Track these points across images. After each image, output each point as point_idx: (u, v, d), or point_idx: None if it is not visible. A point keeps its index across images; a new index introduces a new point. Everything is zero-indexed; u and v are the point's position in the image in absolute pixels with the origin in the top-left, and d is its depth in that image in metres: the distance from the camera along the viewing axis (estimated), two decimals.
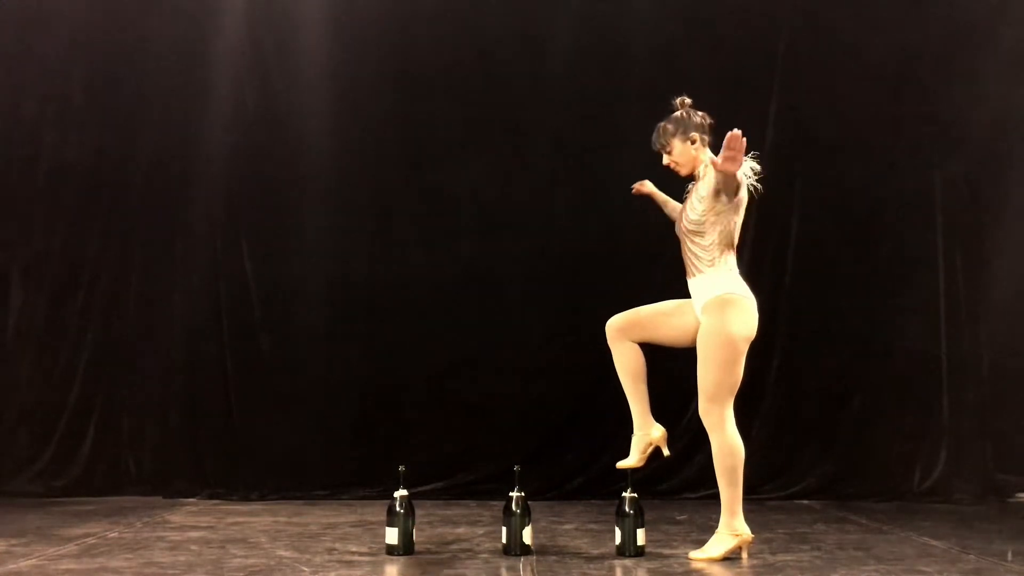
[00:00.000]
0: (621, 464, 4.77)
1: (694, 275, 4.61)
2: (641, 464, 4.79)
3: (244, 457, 6.74)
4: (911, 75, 6.94)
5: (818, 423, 6.84)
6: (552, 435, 6.79)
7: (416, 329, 6.84)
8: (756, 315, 4.59)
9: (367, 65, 6.92)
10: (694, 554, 4.63)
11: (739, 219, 4.61)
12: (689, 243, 4.61)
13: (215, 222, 6.89)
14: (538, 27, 6.91)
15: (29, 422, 6.78)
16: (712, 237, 4.55)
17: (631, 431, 4.81)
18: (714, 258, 4.56)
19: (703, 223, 4.55)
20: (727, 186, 4.44)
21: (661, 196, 5.00)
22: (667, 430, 4.82)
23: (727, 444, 4.53)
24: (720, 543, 4.59)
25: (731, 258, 4.61)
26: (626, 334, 4.72)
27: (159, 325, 6.87)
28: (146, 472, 6.78)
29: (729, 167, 4.29)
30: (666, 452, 4.82)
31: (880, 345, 6.84)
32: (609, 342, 4.76)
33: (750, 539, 4.62)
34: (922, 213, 6.93)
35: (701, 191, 4.59)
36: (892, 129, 6.93)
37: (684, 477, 6.64)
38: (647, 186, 5.02)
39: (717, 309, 4.52)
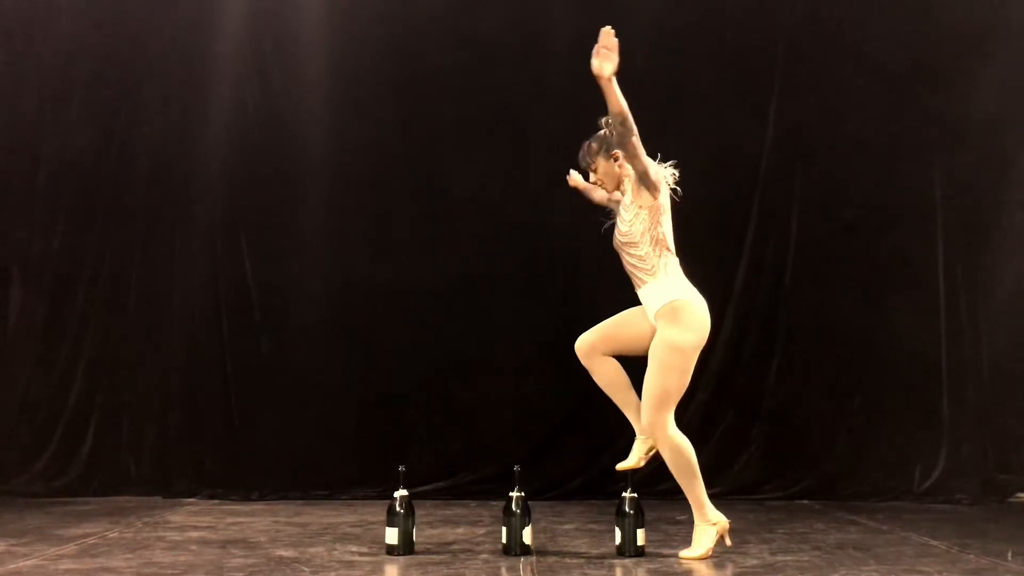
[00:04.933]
0: (620, 466, 4.77)
1: (639, 286, 4.68)
2: (640, 466, 4.79)
3: (244, 457, 6.74)
4: (911, 75, 6.94)
5: (818, 423, 6.84)
6: (552, 435, 6.79)
7: (416, 329, 6.84)
8: (707, 317, 4.63)
9: (367, 65, 6.93)
10: (684, 553, 4.64)
11: (667, 221, 4.65)
12: (626, 256, 4.68)
13: (215, 222, 6.89)
14: (538, 27, 6.91)
15: (29, 422, 6.78)
16: (646, 246, 4.60)
17: (632, 431, 4.81)
18: (653, 266, 4.60)
19: (633, 233, 4.62)
20: (625, 149, 4.49)
21: (585, 184, 5.05)
22: None
23: (675, 446, 4.58)
24: (704, 538, 4.62)
25: (671, 262, 4.64)
26: (596, 349, 4.76)
27: (159, 325, 6.87)
28: (146, 472, 6.78)
29: (601, 65, 4.34)
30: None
31: (880, 345, 6.84)
32: (583, 362, 4.79)
33: (726, 524, 4.66)
34: (922, 213, 6.93)
35: (625, 201, 4.67)
36: (892, 129, 6.93)
37: None
38: (572, 178, 5.07)
39: (669, 317, 4.56)
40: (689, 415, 6.76)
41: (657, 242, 4.60)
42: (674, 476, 4.63)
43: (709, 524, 4.62)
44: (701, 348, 4.62)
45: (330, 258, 6.90)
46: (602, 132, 4.73)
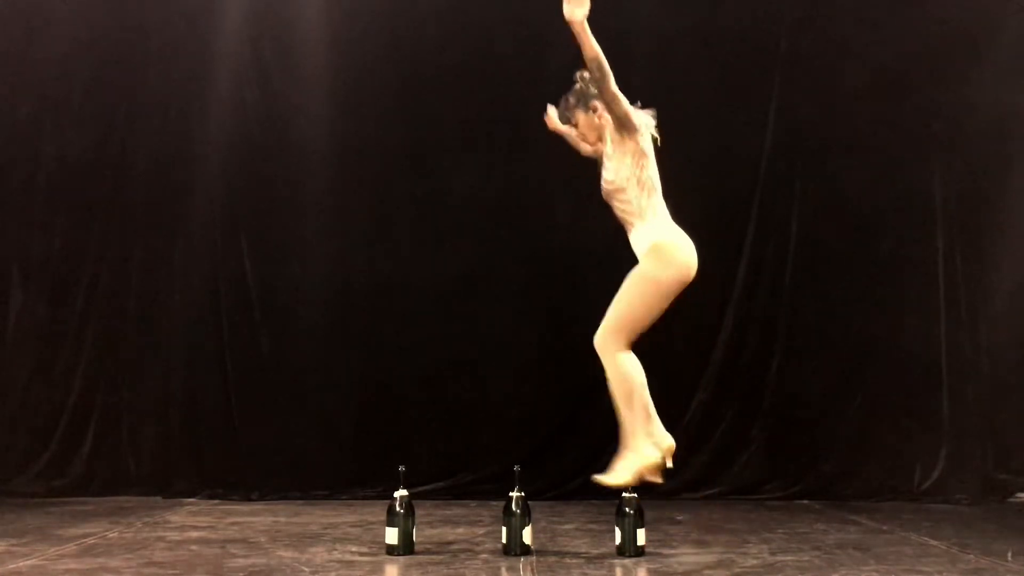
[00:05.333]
0: (614, 483, 4.70)
1: (629, 231, 4.70)
2: (635, 481, 4.72)
3: (244, 457, 6.73)
4: (911, 75, 6.94)
5: (818, 423, 6.84)
6: (552, 435, 6.79)
7: (416, 329, 6.84)
8: (691, 257, 4.59)
9: (367, 65, 6.93)
10: (601, 478, 4.46)
11: (651, 165, 4.64)
12: (616, 203, 4.70)
13: (215, 222, 6.89)
14: (538, 27, 6.90)
15: (29, 422, 6.78)
16: (632, 190, 4.62)
17: None
18: (641, 208, 4.61)
19: (619, 180, 4.63)
20: (603, 94, 4.48)
21: (565, 129, 5.01)
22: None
23: (621, 371, 4.48)
24: (628, 466, 4.43)
25: (659, 205, 4.65)
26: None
27: (159, 325, 6.87)
28: (146, 472, 6.78)
29: (572, 11, 4.31)
30: (669, 464, 4.77)
31: (880, 345, 6.84)
32: (601, 359, 4.76)
33: (658, 462, 4.41)
34: (922, 213, 6.93)
35: (608, 150, 4.69)
36: (892, 129, 6.93)
37: (684, 477, 6.63)
38: (551, 119, 5.05)
39: (652, 255, 4.57)
40: (689, 415, 6.78)
41: (643, 185, 4.61)
42: (615, 400, 4.48)
43: (636, 455, 4.42)
44: (679, 287, 4.56)
45: (330, 258, 6.90)
46: (578, 86, 4.74)
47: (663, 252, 4.55)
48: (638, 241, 4.65)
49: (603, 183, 4.72)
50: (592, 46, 4.39)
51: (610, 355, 4.52)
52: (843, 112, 6.91)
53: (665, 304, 4.56)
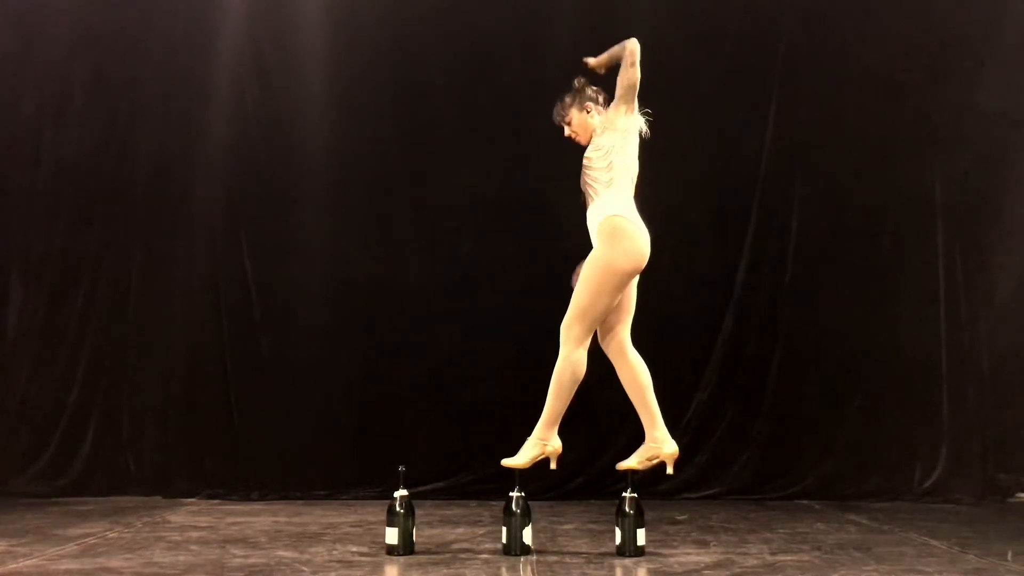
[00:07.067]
0: (620, 465, 4.78)
1: (588, 205, 4.78)
2: (640, 468, 4.77)
3: (244, 457, 6.74)
4: (911, 75, 6.94)
5: (818, 423, 6.84)
6: None
7: (416, 328, 6.84)
8: (644, 245, 4.69)
9: (367, 65, 6.93)
10: (505, 462, 4.75)
11: (629, 147, 4.74)
12: (585, 175, 4.78)
13: (215, 222, 6.89)
14: (537, 27, 6.91)
15: (29, 422, 6.78)
16: (604, 161, 4.72)
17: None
18: (605, 182, 4.71)
19: (594, 153, 4.75)
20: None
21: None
22: (666, 429, 4.80)
23: (571, 361, 4.69)
24: (529, 450, 4.76)
25: (624, 186, 4.72)
26: (613, 341, 4.82)
27: (159, 325, 6.87)
28: (146, 472, 6.78)
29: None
30: (670, 470, 4.79)
31: (880, 345, 6.84)
32: (610, 359, 4.83)
33: (558, 450, 4.79)
34: (922, 213, 6.94)
35: (595, 140, 4.80)
36: (892, 129, 6.93)
37: (684, 477, 6.62)
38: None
39: (606, 235, 4.68)
40: (689, 415, 6.78)
41: (614, 162, 4.70)
42: (551, 384, 4.74)
43: (541, 442, 4.75)
44: (633, 275, 4.69)
45: (330, 257, 6.90)
46: (575, 87, 4.91)
47: (618, 235, 4.65)
48: (593, 215, 4.74)
49: (584, 158, 4.81)
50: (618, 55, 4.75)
51: (570, 345, 4.70)
52: (843, 112, 6.91)
53: (617, 293, 4.69)
